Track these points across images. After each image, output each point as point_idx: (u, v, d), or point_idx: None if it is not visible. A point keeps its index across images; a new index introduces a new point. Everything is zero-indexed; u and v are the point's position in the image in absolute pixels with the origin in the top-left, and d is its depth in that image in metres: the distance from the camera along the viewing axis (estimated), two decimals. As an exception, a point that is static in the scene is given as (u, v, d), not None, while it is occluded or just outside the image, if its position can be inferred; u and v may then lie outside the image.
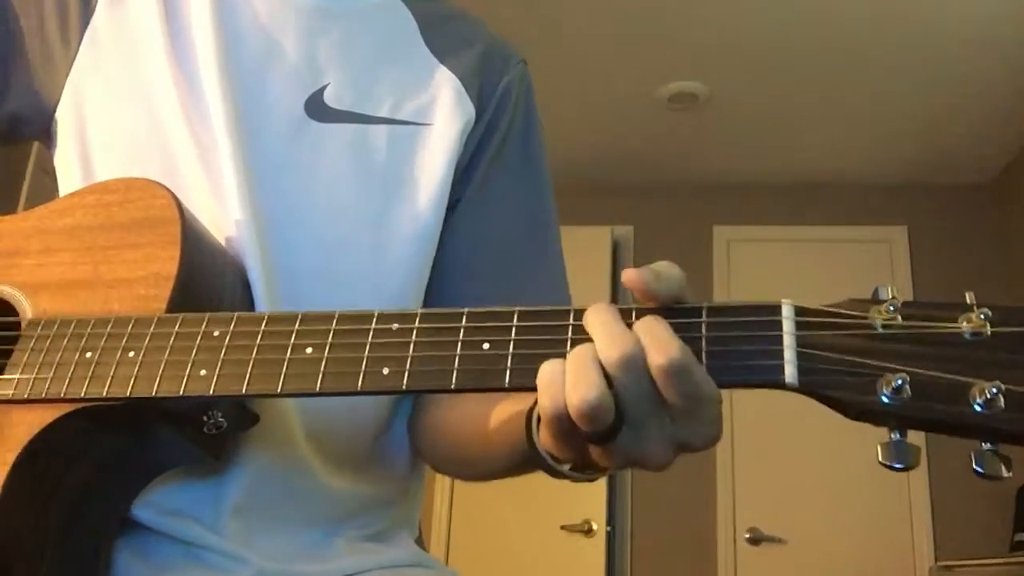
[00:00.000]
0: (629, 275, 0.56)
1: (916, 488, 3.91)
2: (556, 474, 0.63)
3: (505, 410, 0.71)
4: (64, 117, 0.85)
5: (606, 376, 0.52)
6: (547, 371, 0.54)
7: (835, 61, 3.49)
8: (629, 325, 0.54)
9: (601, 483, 3.92)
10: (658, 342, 0.53)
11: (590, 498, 3.92)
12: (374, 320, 0.60)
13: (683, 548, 3.99)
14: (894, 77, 3.57)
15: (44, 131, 0.87)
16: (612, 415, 0.52)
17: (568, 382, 0.53)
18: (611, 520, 4.00)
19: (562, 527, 3.91)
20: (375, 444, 0.85)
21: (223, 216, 0.78)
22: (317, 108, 0.86)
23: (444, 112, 0.89)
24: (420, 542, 0.93)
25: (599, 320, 0.55)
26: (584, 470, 0.61)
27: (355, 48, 0.90)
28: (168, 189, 0.72)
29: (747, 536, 3.97)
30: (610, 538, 3.97)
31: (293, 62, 0.87)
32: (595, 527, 3.91)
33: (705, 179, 4.46)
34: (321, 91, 0.86)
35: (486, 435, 0.74)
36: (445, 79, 0.92)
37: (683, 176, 4.45)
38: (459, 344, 0.58)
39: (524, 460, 0.65)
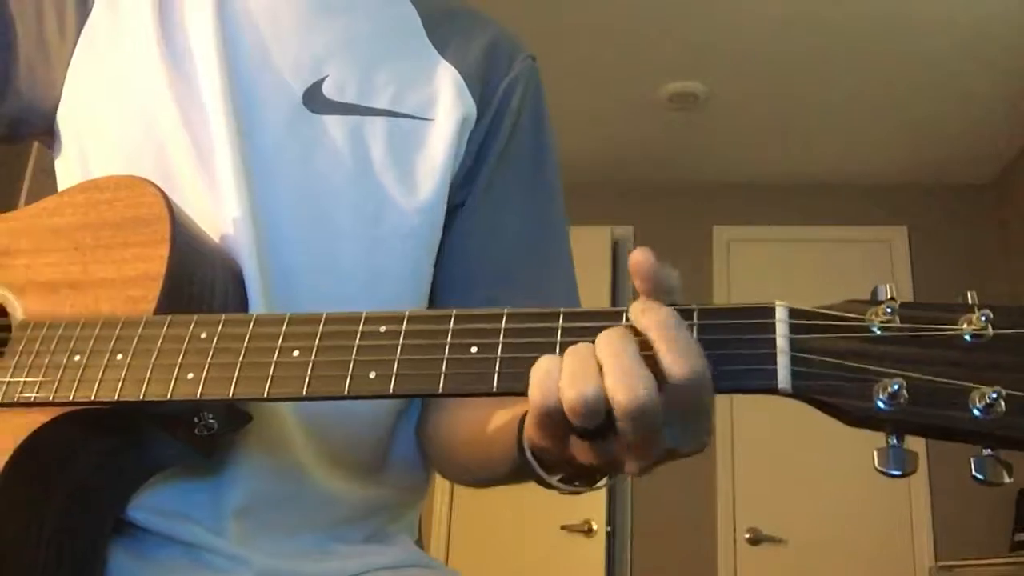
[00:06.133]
0: (640, 255, 0.54)
1: (916, 489, 3.90)
2: (546, 484, 0.62)
3: (504, 416, 0.70)
4: (63, 118, 0.85)
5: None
6: (543, 366, 0.53)
7: (835, 61, 3.49)
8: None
9: (601, 483, 3.91)
10: (676, 352, 0.51)
11: (590, 498, 3.90)
12: (362, 322, 0.60)
13: (683, 548, 3.99)
14: (894, 77, 3.56)
15: (46, 131, 0.87)
16: (603, 416, 0.51)
17: (565, 375, 0.52)
18: (611, 520, 3.99)
19: (562, 527, 3.91)
20: (377, 448, 0.84)
21: (219, 213, 0.77)
22: (315, 100, 0.84)
23: (445, 108, 0.87)
24: (420, 543, 0.92)
25: (612, 354, 0.52)
26: (572, 481, 0.61)
27: (356, 42, 0.89)
28: (158, 187, 0.71)
29: (747, 536, 3.96)
30: (610, 538, 3.97)
31: (292, 55, 0.85)
32: (595, 527, 3.90)
33: (705, 179, 4.45)
34: (320, 83, 0.85)
35: (484, 441, 0.73)
36: (446, 73, 0.89)
37: (683, 176, 4.44)
38: (447, 347, 0.57)
39: (517, 467, 0.64)
